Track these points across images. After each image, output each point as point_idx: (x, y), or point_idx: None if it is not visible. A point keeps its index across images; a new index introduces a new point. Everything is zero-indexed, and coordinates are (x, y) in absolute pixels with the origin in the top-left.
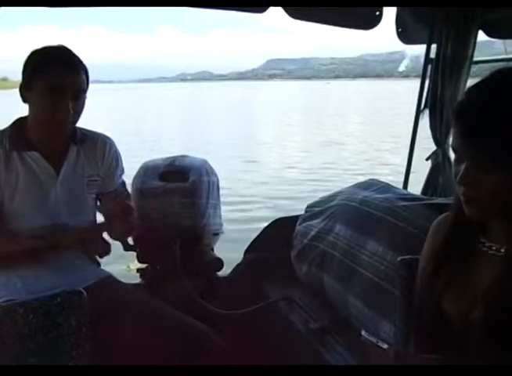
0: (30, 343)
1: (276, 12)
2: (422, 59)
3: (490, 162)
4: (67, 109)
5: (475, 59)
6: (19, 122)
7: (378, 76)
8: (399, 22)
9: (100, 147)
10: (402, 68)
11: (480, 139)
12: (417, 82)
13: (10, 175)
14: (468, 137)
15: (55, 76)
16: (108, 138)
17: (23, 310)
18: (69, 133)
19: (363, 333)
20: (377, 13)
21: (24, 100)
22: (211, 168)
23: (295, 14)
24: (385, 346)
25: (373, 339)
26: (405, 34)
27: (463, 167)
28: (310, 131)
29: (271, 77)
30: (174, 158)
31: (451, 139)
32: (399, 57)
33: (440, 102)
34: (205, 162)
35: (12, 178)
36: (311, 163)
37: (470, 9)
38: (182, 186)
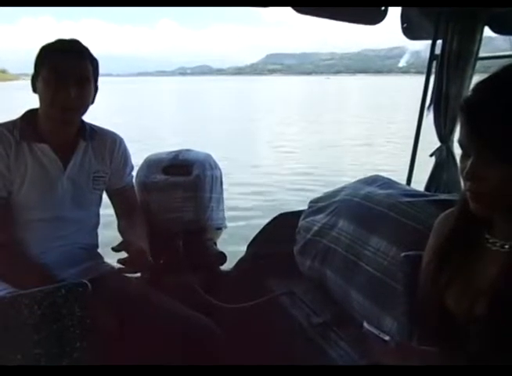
0: (35, 334)
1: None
2: (422, 55)
3: (496, 157)
4: (68, 93)
5: (480, 55)
6: (30, 114)
7: (378, 71)
8: (404, 17)
9: (109, 144)
10: (402, 64)
11: (486, 133)
12: (417, 78)
13: (20, 166)
14: (474, 132)
15: (58, 61)
16: (117, 135)
17: (27, 301)
18: (77, 125)
19: (365, 324)
20: (383, 8)
21: (34, 89)
22: (215, 162)
23: (300, 8)
24: (387, 338)
25: (375, 331)
26: (410, 29)
27: (469, 162)
28: (308, 130)
29: (270, 72)
30: (178, 152)
31: (457, 135)
32: (399, 53)
33: (445, 98)
34: (208, 156)
35: (22, 169)
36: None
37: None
38: (185, 180)
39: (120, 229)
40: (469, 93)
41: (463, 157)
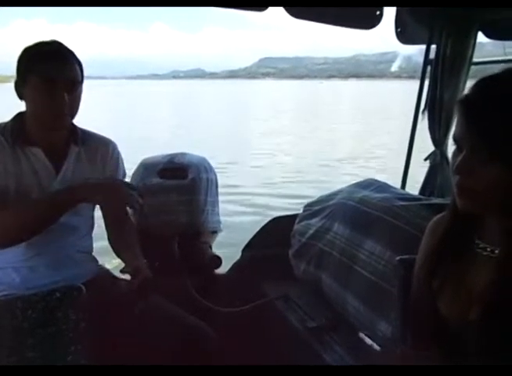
0: (29, 338)
1: (273, 11)
2: (413, 60)
3: (489, 152)
4: (63, 99)
5: (474, 60)
6: (20, 117)
7: (370, 76)
8: (399, 22)
9: (102, 150)
10: (394, 68)
11: (481, 128)
12: (409, 83)
13: (13, 170)
14: (469, 126)
15: (48, 68)
16: (111, 141)
17: (22, 305)
18: (68, 129)
19: (361, 335)
20: (378, 13)
21: (20, 97)
22: (210, 165)
23: (296, 13)
24: (378, 348)
25: (369, 342)
26: (405, 34)
27: (461, 156)
28: (300, 136)
29: (264, 75)
30: (173, 155)
31: (451, 140)
32: (392, 58)
33: (439, 102)
34: (204, 160)
35: (15, 173)
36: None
37: (470, 10)
38: (180, 184)
39: (112, 242)
40: (470, 89)
41: (455, 152)
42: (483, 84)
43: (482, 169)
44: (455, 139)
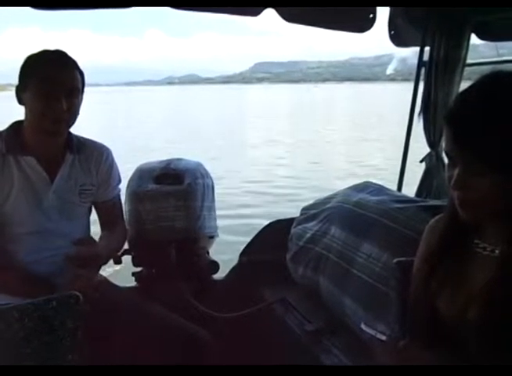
0: (26, 347)
1: (267, 15)
2: (408, 62)
3: (482, 166)
4: (60, 104)
5: (468, 61)
6: (17, 125)
7: (365, 79)
8: (392, 24)
9: (96, 157)
10: (389, 71)
11: (471, 143)
12: (405, 85)
13: (6, 179)
14: (460, 142)
15: (48, 71)
16: (105, 147)
17: (18, 314)
18: (64, 136)
19: (362, 325)
20: (371, 16)
21: (20, 102)
22: (206, 170)
23: (289, 17)
24: (383, 338)
25: (372, 331)
26: (398, 36)
27: (456, 171)
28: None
29: (259, 80)
30: (170, 161)
31: (443, 143)
32: (387, 60)
33: (433, 104)
34: (200, 165)
35: (8, 182)
36: None
37: (463, 12)
38: (177, 189)
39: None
40: (452, 104)
41: (449, 166)
42: (463, 98)
43: (479, 183)
44: (447, 154)
